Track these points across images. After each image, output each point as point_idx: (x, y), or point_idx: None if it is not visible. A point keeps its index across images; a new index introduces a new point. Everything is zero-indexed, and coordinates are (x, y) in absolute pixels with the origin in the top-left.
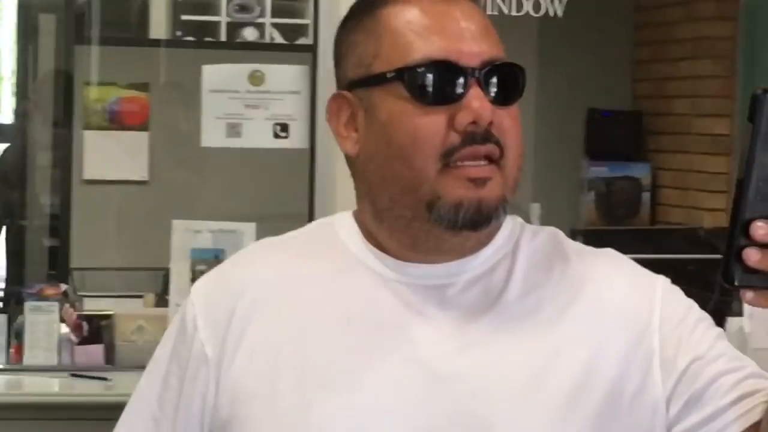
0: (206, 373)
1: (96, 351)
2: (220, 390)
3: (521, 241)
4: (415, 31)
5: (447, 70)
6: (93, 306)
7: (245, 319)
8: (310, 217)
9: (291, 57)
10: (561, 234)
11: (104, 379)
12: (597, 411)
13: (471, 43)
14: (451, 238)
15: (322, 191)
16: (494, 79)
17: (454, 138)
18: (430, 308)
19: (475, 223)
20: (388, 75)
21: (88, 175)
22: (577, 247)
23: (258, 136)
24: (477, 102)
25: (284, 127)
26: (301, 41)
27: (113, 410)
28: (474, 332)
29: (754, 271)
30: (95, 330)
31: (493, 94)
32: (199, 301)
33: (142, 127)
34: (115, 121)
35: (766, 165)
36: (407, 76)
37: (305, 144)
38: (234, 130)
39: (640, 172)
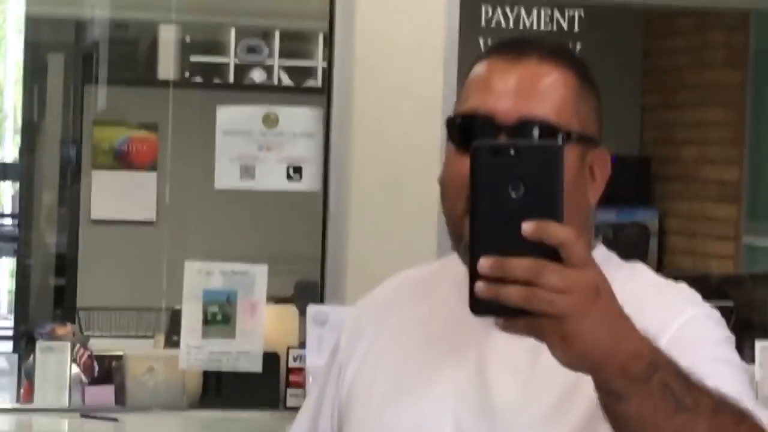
0: (336, 377)
1: (107, 391)
2: (341, 391)
3: (604, 269)
4: (475, 86)
5: (480, 122)
6: (97, 346)
7: (364, 333)
8: (323, 259)
9: (299, 99)
10: (643, 267)
11: (114, 419)
12: (587, 415)
13: (513, 101)
14: None
15: (335, 233)
16: (527, 136)
17: None
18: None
19: None
20: (448, 122)
21: (95, 215)
22: (653, 278)
23: (271, 177)
24: None
25: (297, 169)
26: (310, 83)
27: None
28: (539, 363)
29: (489, 302)
30: (106, 370)
31: None
32: (348, 320)
33: (151, 167)
34: (124, 160)
35: (485, 209)
36: (451, 125)
37: (318, 186)
38: (247, 171)
39: (648, 218)
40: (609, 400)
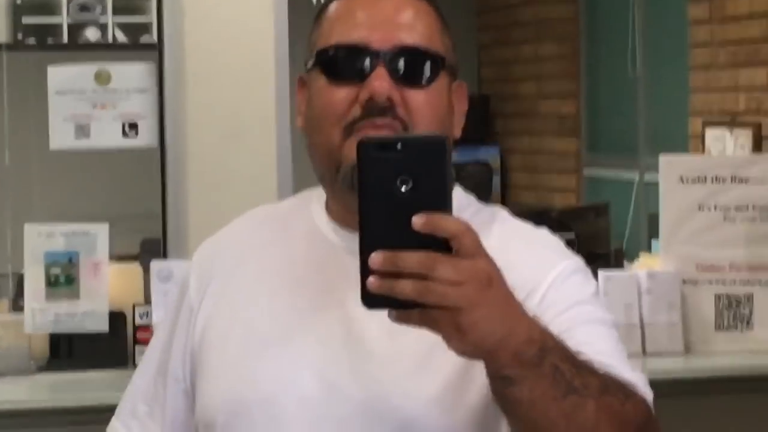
0: (188, 319)
1: None
2: (194, 336)
3: (462, 216)
4: (341, 20)
5: (355, 52)
6: None
7: (216, 275)
8: (164, 216)
9: (136, 55)
10: (503, 213)
11: None
12: (456, 368)
13: (386, 30)
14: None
15: (174, 188)
16: (402, 63)
17: (356, 111)
18: None
19: None
20: (313, 58)
21: None
22: (516, 225)
23: (107, 135)
24: (377, 81)
25: (133, 126)
26: (145, 39)
27: None
28: None
29: (381, 295)
30: None
31: (401, 76)
32: (195, 260)
33: None
34: None
35: (374, 204)
36: (322, 58)
37: (155, 142)
38: (82, 130)
39: (489, 155)
40: (500, 384)
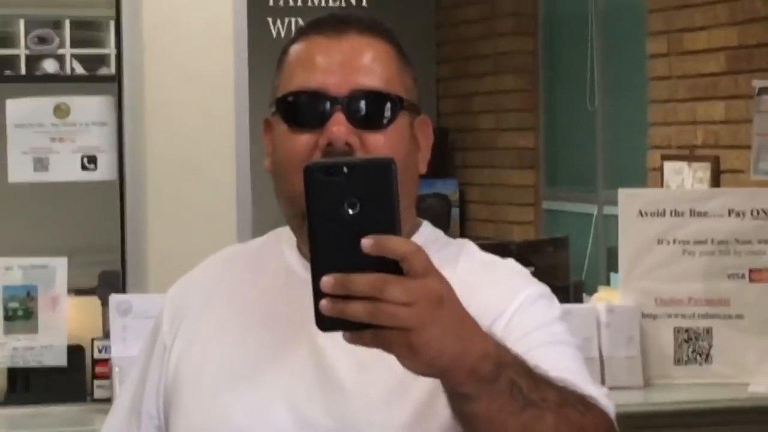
0: (161, 357)
1: None
2: (167, 373)
3: (430, 250)
4: (300, 65)
5: (313, 99)
6: None
7: (189, 313)
8: (123, 249)
9: (94, 88)
10: (471, 246)
11: None
12: (426, 397)
13: (343, 74)
14: None
15: (133, 221)
16: (360, 107)
17: (317, 157)
18: None
19: None
20: (275, 104)
21: None
22: (482, 257)
23: (66, 169)
24: (334, 126)
25: (92, 159)
26: (103, 71)
27: None
28: None
29: (334, 318)
30: None
31: (359, 120)
32: (167, 298)
33: None
34: None
35: (323, 228)
36: (282, 105)
37: (113, 175)
38: (41, 164)
39: (448, 188)
40: (458, 401)
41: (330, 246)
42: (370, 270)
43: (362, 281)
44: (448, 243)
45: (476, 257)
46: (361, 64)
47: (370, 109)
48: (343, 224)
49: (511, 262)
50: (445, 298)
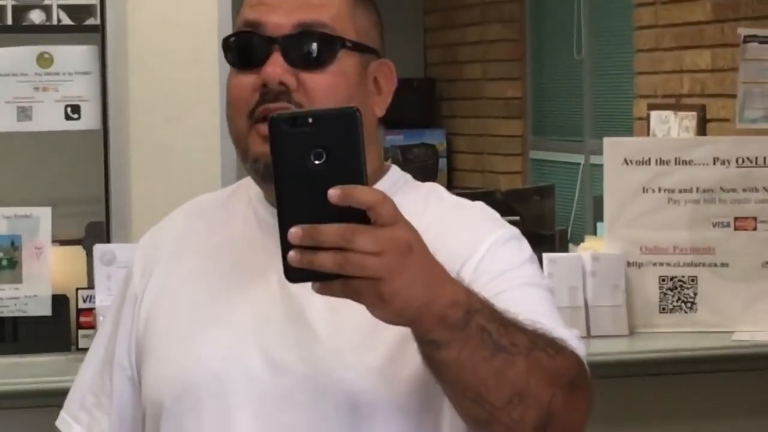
0: (132, 307)
1: None
2: (138, 323)
3: (398, 193)
4: (249, 4)
5: (252, 39)
6: None
7: (159, 262)
8: (107, 199)
9: (79, 38)
10: (440, 189)
11: None
12: (397, 340)
13: (284, 11)
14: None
15: (117, 171)
16: (300, 46)
17: (255, 98)
18: None
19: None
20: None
21: None
22: (451, 200)
23: (49, 118)
24: (269, 66)
25: (75, 109)
26: (90, 22)
27: None
28: None
29: (302, 269)
30: None
31: (297, 59)
32: (138, 249)
33: None
34: None
35: (289, 179)
36: (226, 45)
37: (98, 125)
38: (24, 113)
39: (436, 138)
40: (428, 349)
41: (296, 197)
42: (336, 220)
43: (330, 231)
44: (416, 186)
45: (445, 200)
46: (305, 2)
47: (309, 49)
48: (309, 175)
49: (480, 205)
50: (413, 247)
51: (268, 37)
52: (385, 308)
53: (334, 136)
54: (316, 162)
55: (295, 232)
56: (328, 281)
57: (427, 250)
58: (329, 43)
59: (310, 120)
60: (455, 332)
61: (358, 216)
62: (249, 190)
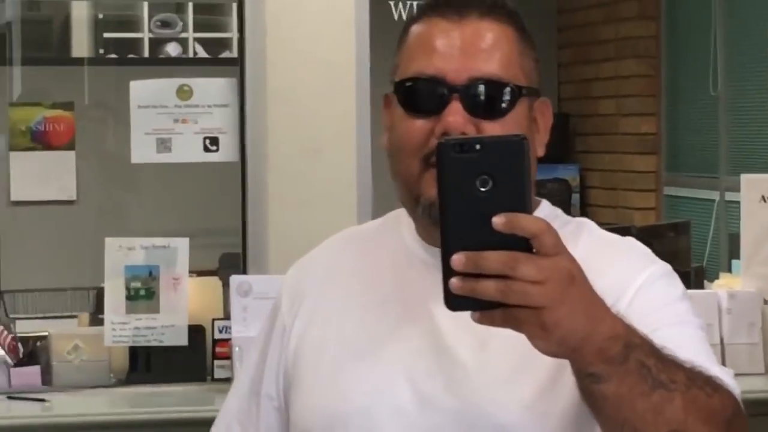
0: (280, 338)
1: (33, 372)
2: (287, 354)
3: None
4: (420, 48)
5: (432, 85)
6: (24, 328)
7: (308, 294)
8: (244, 230)
9: (216, 71)
10: (590, 224)
11: (42, 400)
12: (549, 375)
13: (462, 60)
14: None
15: (255, 203)
16: (479, 95)
17: (433, 143)
18: None
19: None
20: (393, 86)
21: (15, 197)
22: (602, 235)
23: (188, 150)
24: (451, 116)
25: (214, 141)
26: (225, 55)
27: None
28: None
29: (464, 297)
30: (31, 351)
31: (476, 109)
32: (286, 282)
33: (69, 146)
34: (41, 141)
35: (454, 205)
36: (400, 89)
37: (235, 157)
38: (164, 145)
39: (569, 173)
40: (587, 382)
41: (460, 223)
42: (499, 248)
43: (493, 259)
44: (567, 221)
45: (596, 235)
46: (480, 49)
47: (488, 98)
48: (474, 201)
49: (631, 240)
50: (575, 277)
51: (449, 85)
52: (546, 338)
53: (501, 163)
54: (482, 189)
55: (458, 258)
56: (488, 310)
57: (588, 282)
58: (508, 92)
59: (478, 146)
60: (614, 366)
61: (521, 244)
62: (399, 223)
